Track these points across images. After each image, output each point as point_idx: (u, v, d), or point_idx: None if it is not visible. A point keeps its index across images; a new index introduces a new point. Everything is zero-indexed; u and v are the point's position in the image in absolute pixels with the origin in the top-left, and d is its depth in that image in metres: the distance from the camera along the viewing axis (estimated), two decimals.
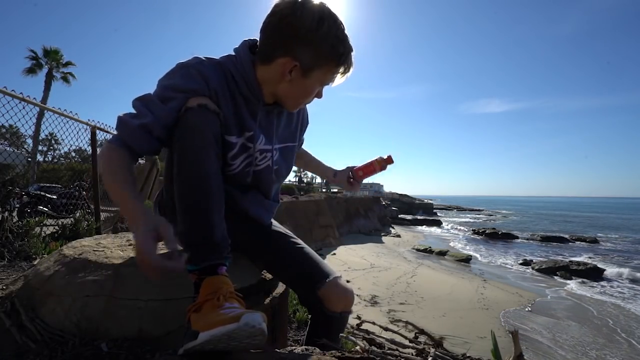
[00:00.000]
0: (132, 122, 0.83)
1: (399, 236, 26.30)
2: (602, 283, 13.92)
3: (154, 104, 0.83)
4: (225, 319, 0.67)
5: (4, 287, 1.18)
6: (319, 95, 0.97)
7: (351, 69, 0.91)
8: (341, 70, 0.90)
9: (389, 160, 1.28)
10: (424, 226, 37.20)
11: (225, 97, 0.90)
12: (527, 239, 27.42)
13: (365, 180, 1.38)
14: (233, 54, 0.94)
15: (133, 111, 0.86)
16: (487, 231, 29.62)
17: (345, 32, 0.86)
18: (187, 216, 0.81)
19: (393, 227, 31.29)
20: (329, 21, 0.83)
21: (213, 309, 0.72)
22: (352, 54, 0.89)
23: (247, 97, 0.93)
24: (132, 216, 0.76)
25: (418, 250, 20.15)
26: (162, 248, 0.71)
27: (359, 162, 1.35)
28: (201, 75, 0.85)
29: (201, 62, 0.87)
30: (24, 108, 2.64)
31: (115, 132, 0.89)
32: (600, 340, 7.83)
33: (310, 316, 1.08)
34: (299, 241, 1.13)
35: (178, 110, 0.83)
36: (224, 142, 0.90)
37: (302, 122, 1.17)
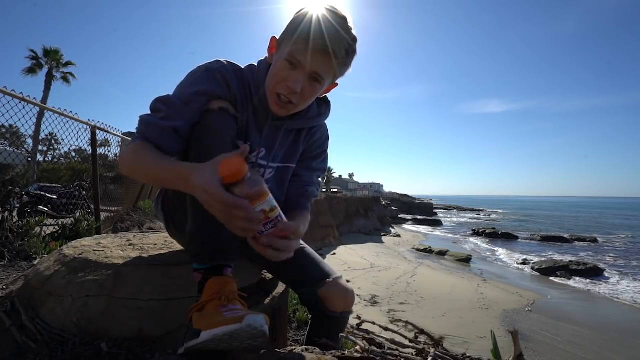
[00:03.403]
0: (161, 123, 0.83)
1: (399, 236, 26.31)
2: (602, 282, 13.91)
3: (178, 107, 0.84)
4: (228, 320, 0.68)
5: (4, 287, 1.18)
6: (294, 81, 0.84)
7: (325, 48, 0.80)
8: (307, 44, 0.80)
9: None
10: (424, 226, 37.19)
11: (242, 103, 0.93)
12: (527, 239, 27.43)
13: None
14: (255, 64, 0.96)
15: (153, 112, 0.86)
16: (487, 231, 29.62)
17: (326, 24, 0.80)
18: (198, 215, 0.81)
19: (393, 227, 31.28)
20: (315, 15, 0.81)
21: (216, 309, 0.73)
22: (330, 36, 0.80)
23: (258, 108, 0.95)
24: (182, 175, 0.72)
25: (418, 250, 20.16)
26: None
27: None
28: (224, 80, 0.88)
29: (224, 67, 0.90)
30: (24, 108, 2.64)
31: (126, 132, 0.86)
32: (601, 339, 7.82)
33: (310, 316, 1.08)
34: (300, 241, 1.13)
35: (200, 111, 0.85)
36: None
37: (309, 147, 1.09)
